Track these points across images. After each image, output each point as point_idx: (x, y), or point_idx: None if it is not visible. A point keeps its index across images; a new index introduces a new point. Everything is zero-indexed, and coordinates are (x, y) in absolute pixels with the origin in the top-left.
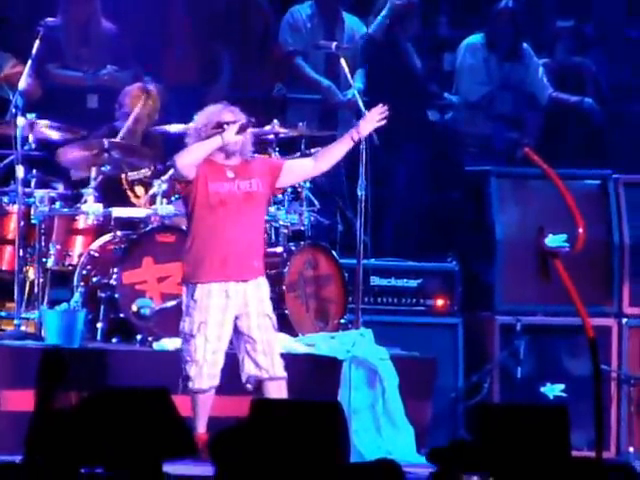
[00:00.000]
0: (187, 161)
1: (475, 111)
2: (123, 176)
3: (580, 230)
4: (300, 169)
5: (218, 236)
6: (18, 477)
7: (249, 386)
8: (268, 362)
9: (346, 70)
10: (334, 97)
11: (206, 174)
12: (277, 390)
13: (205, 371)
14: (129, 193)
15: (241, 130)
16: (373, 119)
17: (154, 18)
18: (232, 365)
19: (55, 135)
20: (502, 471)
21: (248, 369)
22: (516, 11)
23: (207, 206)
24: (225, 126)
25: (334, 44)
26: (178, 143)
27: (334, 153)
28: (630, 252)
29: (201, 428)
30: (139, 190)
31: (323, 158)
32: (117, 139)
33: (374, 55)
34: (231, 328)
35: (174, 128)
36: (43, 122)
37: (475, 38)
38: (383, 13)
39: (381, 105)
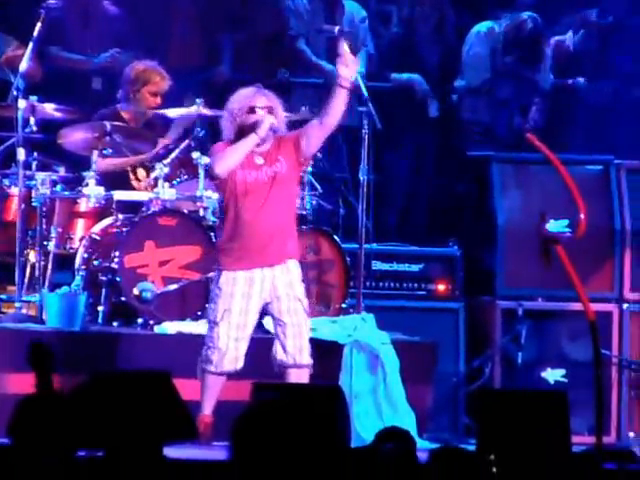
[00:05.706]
0: (224, 168)
1: (477, 97)
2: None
3: (582, 216)
4: (313, 130)
5: (243, 225)
6: (8, 460)
7: (277, 370)
8: (296, 348)
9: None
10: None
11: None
12: (297, 378)
13: (227, 357)
14: (131, 175)
15: (271, 129)
16: (350, 62)
17: (156, 0)
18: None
19: (57, 115)
20: (502, 456)
21: (276, 353)
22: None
23: (234, 195)
24: (256, 115)
25: (337, 28)
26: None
27: (334, 107)
28: (631, 238)
29: (207, 410)
30: (141, 172)
31: (327, 115)
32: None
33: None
34: (256, 316)
35: (173, 112)
36: (45, 105)
37: (484, 26)
38: None
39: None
